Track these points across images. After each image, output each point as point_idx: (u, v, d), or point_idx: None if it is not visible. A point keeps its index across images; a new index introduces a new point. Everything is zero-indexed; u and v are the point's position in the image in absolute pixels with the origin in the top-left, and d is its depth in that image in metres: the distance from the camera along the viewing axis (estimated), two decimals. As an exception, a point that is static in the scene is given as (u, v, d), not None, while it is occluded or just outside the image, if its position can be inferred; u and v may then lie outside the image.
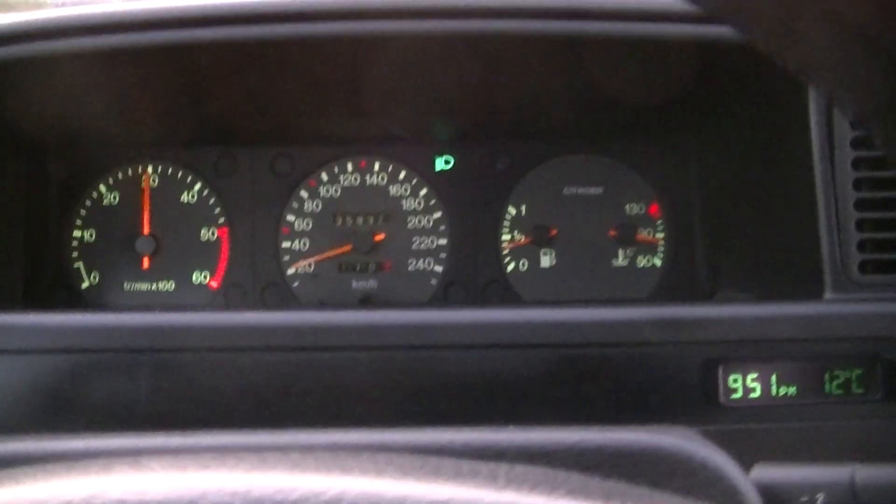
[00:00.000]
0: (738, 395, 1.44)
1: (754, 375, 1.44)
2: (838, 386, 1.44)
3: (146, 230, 2.02)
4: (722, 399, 1.44)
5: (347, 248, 2.03)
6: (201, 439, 1.06)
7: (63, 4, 1.76)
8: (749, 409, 1.44)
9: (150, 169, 2.04)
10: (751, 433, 1.42)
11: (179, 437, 1.06)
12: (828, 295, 1.50)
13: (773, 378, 1.44)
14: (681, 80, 1.72)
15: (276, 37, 1.51)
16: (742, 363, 1.45)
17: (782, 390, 1.44)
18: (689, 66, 1.64)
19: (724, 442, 1.12)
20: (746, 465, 1.12)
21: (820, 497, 1.15)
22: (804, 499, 1.15)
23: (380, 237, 2.03)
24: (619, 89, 1.76)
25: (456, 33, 1.53)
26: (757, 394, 1.44)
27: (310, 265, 2.03)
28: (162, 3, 1.52)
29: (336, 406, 1.40)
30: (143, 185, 2.04)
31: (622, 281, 2.03)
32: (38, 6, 1.77)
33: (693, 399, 1.45)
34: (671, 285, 2.02)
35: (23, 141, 1.90)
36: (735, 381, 1.44)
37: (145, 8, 1.52)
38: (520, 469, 0.65)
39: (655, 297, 2.01)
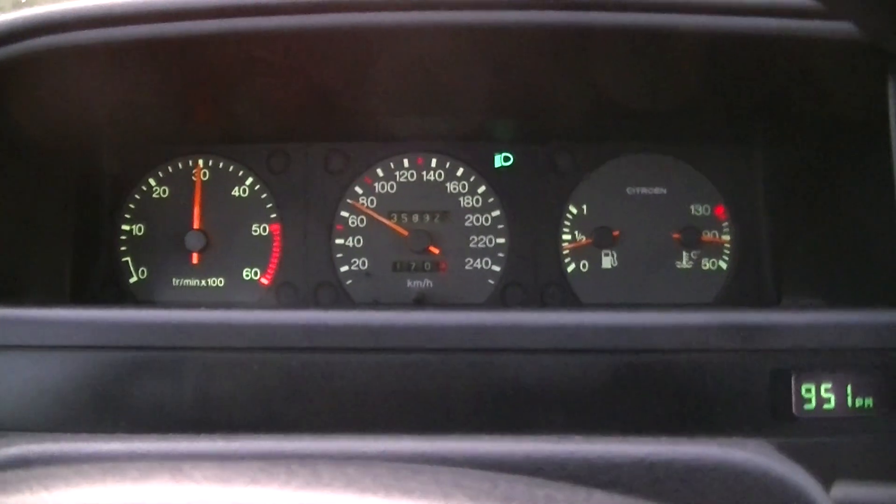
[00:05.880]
0: (812, 406, 1.37)
1: (828, 385, 1.37)
2: (918, 399, 1.36)
3: (196, 225, 1.98)
4: (795, 410, 1.36)
5: (405, 233, 1.98)
6: (246, 444, 1.01)
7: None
8: (824, 422, 1.37)
9: (200, 163, 2.00)
10: (827, 448, 1.35)
11: (223, 441, 1.02)
12: (908, 303, 1.43)
13: (849, 389, 1.37)
14: (757, 82, 1.64)
15: (327, 27, 1.46)
16: (815, 372, 1.37)
17: (858, 402, 1.37)
18: (768, 67, 1.56)
19: (800, 457, 1.05)
20: (825, 483, 1.05)
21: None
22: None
23: (436, 250, 1.99)
24: (692, 90, 1.69)
25: (522, 24, 1.46)
26: (831, 405, 1.37)
27: (363, 262, 1.98)
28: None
29: (390, 411, 1.35)
30: (194, 178, 2.00)
31: (686, 285, 1.96)
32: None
33: (762, 410, 1.38)
34: (737, 290, 1.95)
35: (77, 136, 1.88)
36: (808, 391, 1.37)
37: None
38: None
39: (721, 302, 1.94)
